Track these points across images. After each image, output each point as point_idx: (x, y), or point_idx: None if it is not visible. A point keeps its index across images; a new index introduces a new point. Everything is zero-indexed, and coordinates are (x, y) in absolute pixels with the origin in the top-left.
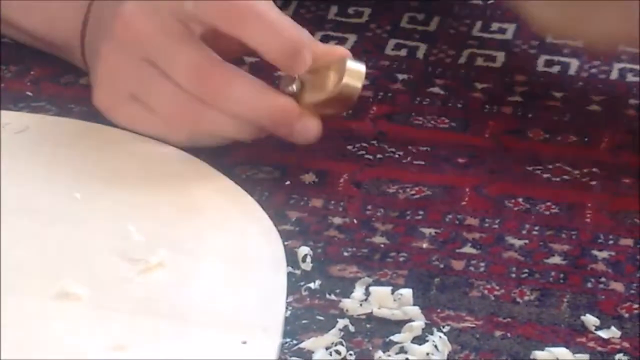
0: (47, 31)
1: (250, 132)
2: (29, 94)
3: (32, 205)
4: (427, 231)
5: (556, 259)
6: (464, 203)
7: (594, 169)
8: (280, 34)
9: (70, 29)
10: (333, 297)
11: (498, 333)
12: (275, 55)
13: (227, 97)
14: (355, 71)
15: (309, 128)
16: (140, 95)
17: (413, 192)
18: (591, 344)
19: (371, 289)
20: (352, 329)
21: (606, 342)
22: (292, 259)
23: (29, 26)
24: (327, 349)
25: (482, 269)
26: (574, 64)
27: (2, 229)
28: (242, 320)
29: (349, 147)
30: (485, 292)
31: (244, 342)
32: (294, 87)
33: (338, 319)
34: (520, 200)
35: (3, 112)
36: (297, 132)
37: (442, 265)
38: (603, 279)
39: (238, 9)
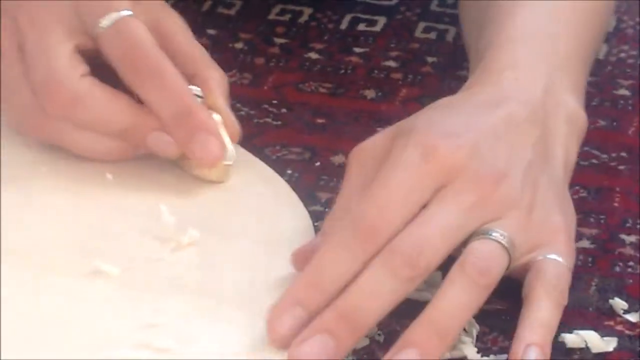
0: None
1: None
2: None
3: (64, 186)
4: None
5: (584, 243)
6: None
7: (623, 154)
8: (171, 94)
9: None
10: None
11: None
12: (166, 114)
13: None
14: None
15: (162, 142)
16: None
17: None
18: (619, 327)
19: None
20: None
21: (634, 325)
22: None
23: None
24: None
25: None
26: (603, 48)
27: (36, 208)
28: (270, 300)
29: (379, 129)
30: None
31: None
32: None
33: None
34: None
35: None
36: (151, 144)
37: None
38: (631, 263)
39: (135, 57)
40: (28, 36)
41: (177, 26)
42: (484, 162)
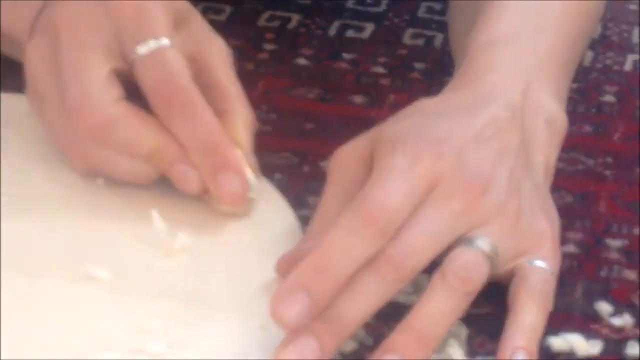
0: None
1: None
2: None
3: (55, 191)
4: None
5: (570, 248)
6: None
7: (608, 159)
8: (199, 129)
9: (23, 24)
10: None
11: None
12: (195, 148)
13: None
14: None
15: (187, 176)
16: (41, 100)
17: None
18: (605, 331)
19: None
20: None
21: (619, 329)
22: None
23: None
24: None
25: None
26: (588, 55)
27: (28, 213)
28: (261, 305)
29: None
30: None
31: (263, 327)
32: None
33: None
34: None
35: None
36: (175, 175)
37: None
38: (616, 267)
39: (167, 89)
40: (65, 56)
41: (217, 58)
42: (467, 170)
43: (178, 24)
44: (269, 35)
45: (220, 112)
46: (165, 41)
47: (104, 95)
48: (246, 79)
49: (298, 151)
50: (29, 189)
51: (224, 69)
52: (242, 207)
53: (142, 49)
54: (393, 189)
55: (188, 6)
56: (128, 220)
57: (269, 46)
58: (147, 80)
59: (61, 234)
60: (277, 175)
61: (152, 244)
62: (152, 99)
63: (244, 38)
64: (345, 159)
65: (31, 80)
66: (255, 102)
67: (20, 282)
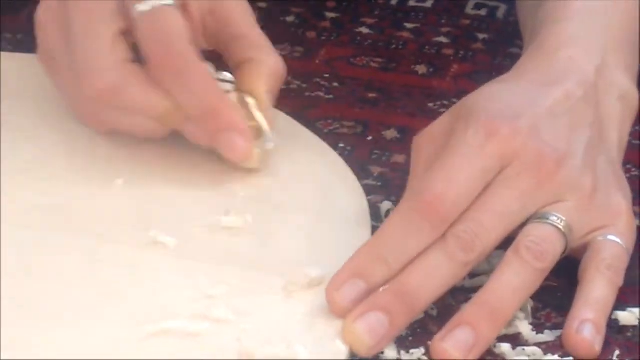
0: None
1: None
2: None
3: (123, 158)
4: None
5: (636, 222)
6: None
7: None
8: (195, 94)
9: None
10: None
11: None
12: (192, 113)
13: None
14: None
15: (234, 144)
16: (52, 62)
17: None
18: None
19: None
20: None
21: None
22: (375, 213)
23: None
24: None
25: None
26: None
27: (96, 179)
28: (326, 274)
29: (430, 105)
30: None
31: None
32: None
33: None
34: None
35: None
36: (221, 142)
37: None
38: None
39: (162, 52)
40: (72, 17)
41: (236, 10)
42: (544, 145)
43: None
44: (330, 4)
45: (244, 61)
46: (169, 1)
47: (109, 57)
48: (308, 47)
49: (361, 120)
50: (95, 154)
51: (244, 19)
52: (253, 161)
53: (142, 7)
54: (455, 175)
55: None
56: (194, 187)
57: (330, 14)
58: (142, 39)
59: (127, 200)
60: (341, 144)
61: (217, 210)
62: (147, 61)
63: (306, 6)
64: (426, 141)
65: (42, 41)
66: (317, 70)
67: (85, 247)
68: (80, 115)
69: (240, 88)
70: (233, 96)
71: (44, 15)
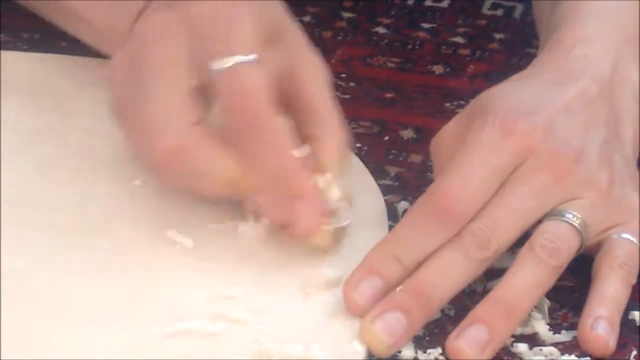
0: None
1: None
2: None
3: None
4: None
5: None
6: None
7: None
8: (270, 154)
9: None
10: None
11: None
12: (266, 179)
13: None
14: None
15: (305, 214)
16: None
17: None
18: None
19: None
20: None
21: None
22: (391, 213)
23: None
24: None
25: None
26: None
27: (112, 181)
28: (343, 275)
29: (447, 104)
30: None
31: None
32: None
33: None
34: None
35: None
36: (291, 211)
37: None
38: None
39: (241, 108)
40: (145, 70)
41: (312, 76)
42: (560, 141)
43: (271, 40)
44: (346, 3)
45: (310, 136)
46: (249, 57)
47: (180, 118)
48: (324, 46)
49: (378, 120)
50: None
51: (317, 89)
52: (322, 238)
53: (223, 64)
54: (470, 174)
55: (285, 18)
56: None
57: (347, 14)
58: (222, 98)
59: (143, 200)
60: (358, 144)
61: (233, 210)
62: (225, 119)
63: (322, 6)
64: (444, 140)
65: (114, 91)
66: (333, 69)
67: (104, 246)
68: (153, 172)
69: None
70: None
71: (116, 70)
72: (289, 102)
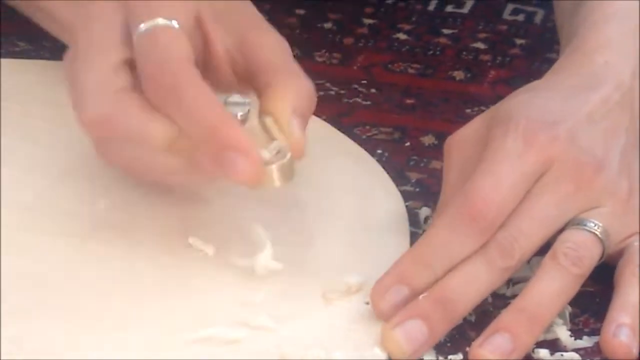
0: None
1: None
2: None
3: None
4: None
5: None
6: None
7: None
8: (193, 114)
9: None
10: None
11: None
12: (194, 136)
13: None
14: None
15: (237, 165)
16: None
17: None
18: None
19: None
20: None
21: None
22: (413, 219)
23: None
24: None
25: None
26: None
27: (132, 185)
28: (365, 281)
29: (468, 110)
30: None
31: (367, 303)
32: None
33: None
34: None
35: None
36: (224, 165)
37: None
38: None
39: (155, 71)
40: (78, 51)
41: (265, 44)
42: (582, 151)
43: (220, 14)
44: (368, 10)
45: (265, 85)
46: (174, 23)
47: (106, 87)
48: (346, 53)
49: (399, 126)
50: None
51: (272, 50)
52: (268, 180)
53: (143, 27)
54: (500, 180)
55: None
56: (229, 192)
57: (368, 21)
58: (139, 62)
59: (164, 206)
60: (379, 150)
61: (255, 217)
62: (142, 82)
63: (343, 12)
64: (461, 143)
65: (70, 92)
66: (355, 76)
67: (125, 253)
68: (96, 151)
69: (262, 112)
70: (253, 120)
71: (65, 66)
72: (248, 72)
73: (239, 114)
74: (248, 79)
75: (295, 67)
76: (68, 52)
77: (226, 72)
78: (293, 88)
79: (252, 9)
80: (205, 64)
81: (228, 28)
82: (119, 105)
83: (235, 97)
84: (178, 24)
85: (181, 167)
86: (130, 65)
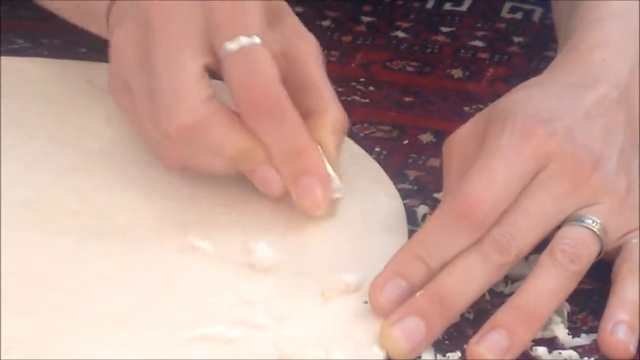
0: None
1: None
2: None
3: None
4: None
5: None
6: None
7: None
8: (285, 132)
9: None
10: None
11: None
12: (277, 153)
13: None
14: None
15: (269, 180)
16: (127, 91)
17: None
18: None
19: None
20: None
21: None
22: (411, 217)
23: None
24: None
25: None
26: None
27: (130, 184)
28: (363, 279)
29: (466, 108)
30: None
31: (366, 302)
32: None
33: None
34: None
35: None
36: (257, 178)
37: None
38: None
39: (254, 89)
40: (157, 48)
41: (309, 56)
42: (580, 147)
43: (271, 22)
44: (366, 8)
45: (309, 112)
46: (256, 39)
47: (195, 94)
48: (344, 51)
49: (397, 124)
50: (128, 158)
51: (315, 68)
52: (325, 209)
53: (232, 45)
54: (494, 177)
55: (282, 4)
56: (228, 190)
57: (366, 18)
58: (233, 79)
59: (161, 204)
60: (377, 148)
61: (253, 215)
62: (236, 99)
63: (341, 10)
64: (460, 142)
65: (119, 68)
66: (353, 74)
67: (124, 251)
68: (155, 149)
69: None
70: None
71: (122, 39)
72: (289, 82)
73: None
74: (288, 89)
75: (334, 94)
76: (128, 31)
77: None
78: (336, 121)
79: (290, 12)
80: None
81: (277, 34)
82: (210, 114)
83: None
84: (260, 39)
85: (241, 173)
86: (209, 70)
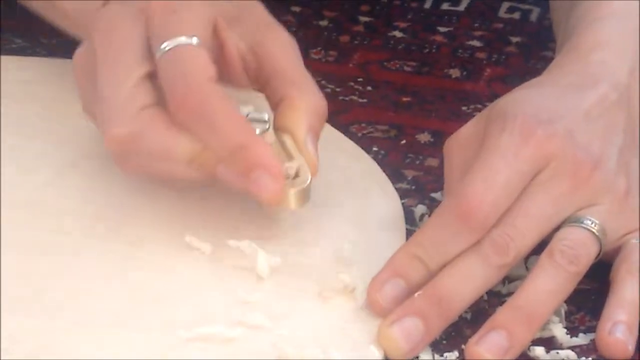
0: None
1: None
2: None
3: None
4: None
5: None
6: None
7: None
8: (220, 132)
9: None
10: None
11: None
12: (220, 153)
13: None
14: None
15: (263, 184)
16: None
17: None
18: None
19: None
20: None
21: None
22: (409, 217)
23: None
24: None
25: None
26: None
27: (127, 184)
28: (361, 278)
29: (464, 108)
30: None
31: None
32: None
33: None
34: None
35: None
36: (250, 182)
37: None
38: None
39: (181, 90)
40: (98, 64)
41: (277, 46)
42: (579, 148)
43: (233, 19)
44: (364, 8)
45: (281, 100)
46: (194, 40)
47: (129, 105)
48: (342, 51)
49: (395, 124)
50: None
51: (284, 57)
52: (289, 200)
53: (165, 47)
54: (494, 178)
55: (243, 1)
56: (226, 191)
57: (364, 18)
58: (163, 80)
59: (159, 204)
60: (375, 148)
61: (251, 216)
62: (168, 101)
63: (339, 10)
64: (460, 143)
65: (79, 88)
66: (351, 73)
67: (122, 251)
68: (114, 161)
69: (278, 127)
70: (270, 136)
71: (77, 68)
72: (260, 76)
73: (257, 130)
74: (261, 84)
75: (308, 79)
76: (80, 50)
77: (241, 77)
78: (309, 105)
79: (261, 8)
80: (220, 69)
81: (241, 32)
82: (145, 123)
83: (254, 114)
84: (198, 39)
85: (202, 178)
86: (152, 77)
